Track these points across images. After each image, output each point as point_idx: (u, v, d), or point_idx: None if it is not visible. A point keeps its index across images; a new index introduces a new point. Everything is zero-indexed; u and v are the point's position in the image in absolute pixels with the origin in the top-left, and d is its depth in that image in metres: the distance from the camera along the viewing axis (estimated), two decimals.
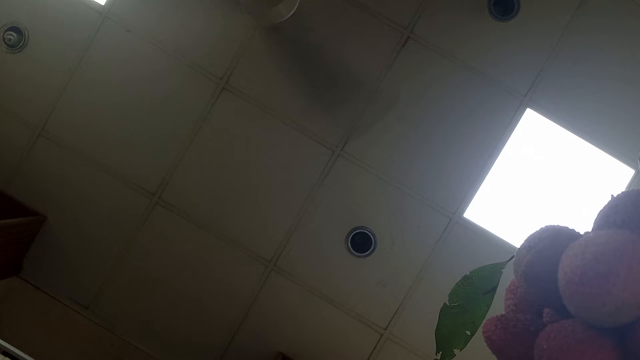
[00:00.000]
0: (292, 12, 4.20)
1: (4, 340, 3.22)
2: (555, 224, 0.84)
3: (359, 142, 4.33)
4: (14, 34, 4.38)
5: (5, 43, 4.40)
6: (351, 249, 4.35)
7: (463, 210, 4.30)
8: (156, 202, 4.41)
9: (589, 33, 4.25)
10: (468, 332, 1.16)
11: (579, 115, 4.26)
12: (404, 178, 4.33)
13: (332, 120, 4.36)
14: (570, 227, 0.84)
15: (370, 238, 4.34)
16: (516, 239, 4.30)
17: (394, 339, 4.33)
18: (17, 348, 3.20)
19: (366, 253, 4.34)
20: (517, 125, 4.28)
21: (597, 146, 4.26)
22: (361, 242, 4.35)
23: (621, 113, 4.26)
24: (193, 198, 4.41)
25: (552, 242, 0.81)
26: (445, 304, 1.26)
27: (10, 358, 3.16)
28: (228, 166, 4.40)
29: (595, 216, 0.83)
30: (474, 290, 1.14)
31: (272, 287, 4.39)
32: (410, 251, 4.34)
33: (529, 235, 0.85)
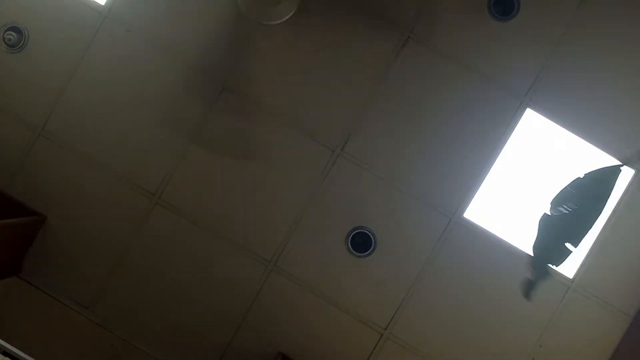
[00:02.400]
0: (292, 13, 4.20)
1: (4, 340, 3.21)
2: None
3: (359, 142, 4.34)
4: (14, 34, 4.38)
5: (5, 43, 4.40)
6: (351, 249, 4.35)
7: (463, 210, 4.30)
8: (156, 202, 4.41)
9: (589, 32, 4.25)
10: (570, 246, 1.06)
11: (579, 115, 4.26)
12: (404, 178, 4.33)
13: (333, 120, 4.36)
14: None
15: (370, 238, 4.34)
16: (516, 238, 4.30)
17: (394, 339, 4.33)
18: (17, 348, 3.20)
19: (366, 253, 4.35)
20: (517, 125, 4.28)
21: (597, 146, 4.26)
22: (361, 242, 4.35)
23: (622, 113, 4.26)
24: (192, 197, 4.41)
25: None
26: (544, 213, 1.13)
27: (10, 358, 3.15)
28: (228, 166, 4.40)
29: None
30: (583, 194, 1.03)
31: (272, 287, 4.39)
32: (410, 251, 4.34)
33: None
